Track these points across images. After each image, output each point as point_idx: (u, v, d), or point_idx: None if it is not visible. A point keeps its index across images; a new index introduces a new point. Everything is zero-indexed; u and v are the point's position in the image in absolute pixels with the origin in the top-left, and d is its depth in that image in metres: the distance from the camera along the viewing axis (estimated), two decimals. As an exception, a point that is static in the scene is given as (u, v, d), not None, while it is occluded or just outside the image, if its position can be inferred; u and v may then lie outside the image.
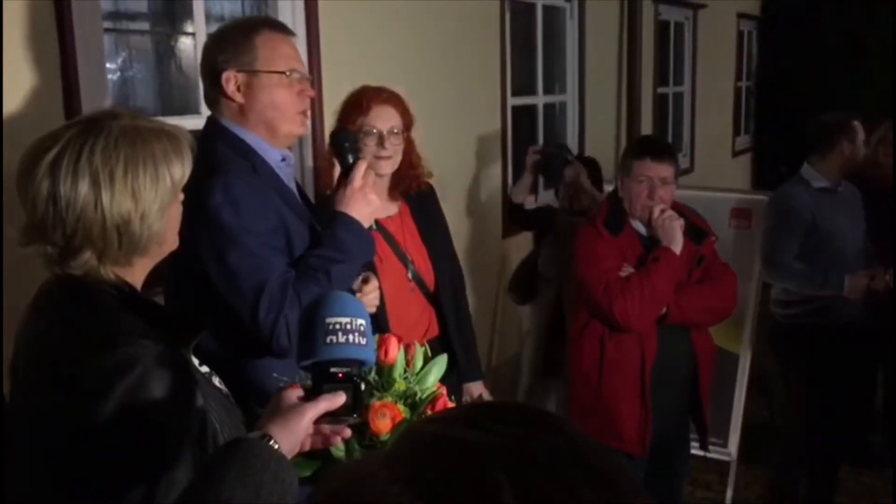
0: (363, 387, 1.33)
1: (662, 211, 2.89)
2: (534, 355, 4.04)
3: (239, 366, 1.89)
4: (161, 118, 1.53)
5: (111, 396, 1.22)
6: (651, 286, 2.82)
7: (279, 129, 2.01)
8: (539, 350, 3.97)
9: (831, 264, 3.51)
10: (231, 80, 1.96)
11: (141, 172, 1.34)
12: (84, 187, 1.31)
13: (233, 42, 1.97)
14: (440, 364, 1.61)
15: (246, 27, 2.02)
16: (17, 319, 1.43)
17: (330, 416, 1.29)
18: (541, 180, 4.33)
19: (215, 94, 2.01)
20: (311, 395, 1.29)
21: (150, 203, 1.35)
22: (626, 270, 2.88)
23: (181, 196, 1.45)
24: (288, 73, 1.99)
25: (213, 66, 1.98)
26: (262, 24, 2.05)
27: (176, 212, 1.43)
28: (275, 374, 1.60)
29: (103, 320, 1.33)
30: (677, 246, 2.87)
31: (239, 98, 1.98)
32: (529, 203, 4.03)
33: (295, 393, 1.30)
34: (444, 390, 1.58)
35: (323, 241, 1.98)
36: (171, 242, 1.46)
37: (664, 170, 2.91)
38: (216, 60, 1.98)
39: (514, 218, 4.08)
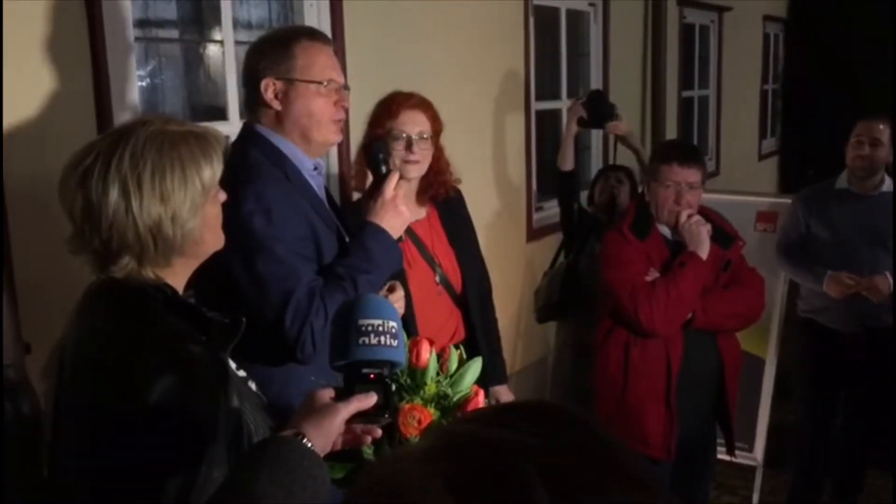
0: (394, 388, 1.36)
1: (689, 216, 2.88)
2: (571, 374, 3.81)
3: (263, 372, 1.91)
4: (191, 124, 1.57)
5: (151, 395, 1.26)
6: (677, 291, 2.80)
7: (313, 137, 2.04)
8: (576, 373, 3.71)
9: (838, 264, 3.51)
10: (269, 88, 2.00)
11: (168, 176, 1.37)
12: (114, 195, 1.35)
13: (272, 50, 2.01)
14: (475, 366, 1.63)
15: (286, 35, 2.06)
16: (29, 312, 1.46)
17: (361, 417, 1.32)
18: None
19: (253, 100, 2.04)
20: (343, 395, 1.32)
21: (179, 205, 1.38)
22: (653, 275, 2.87)
23: (221, 195, 1.49)
24: (325, 83, 2.02)
25: (253, 73, 2.02)
26: (301, 32, 2.09)
27: (212, 211, 1.46)
28: (313, 378, 1.63)
29: (147, 322, 1.37)
30: (704, 251, 2.86)
31: (276, 105, 2.01)
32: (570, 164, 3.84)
33: (327, 393, 1.33)
34: (481, 393, 1.60)
35: (351, 251, 2.00)
36: (212, 242, 1.49)
37: (691, 174, 2.90)
38: (256, 67, 2.02)
39: (565, 188, 3.88)
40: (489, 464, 0.56)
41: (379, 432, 1.38)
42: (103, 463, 1.30)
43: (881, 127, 3.59)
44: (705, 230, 2.88)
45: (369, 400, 1.31)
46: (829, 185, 3.73)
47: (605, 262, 2.96)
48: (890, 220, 3.52)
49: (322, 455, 1.27)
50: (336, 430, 1.29)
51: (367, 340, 1.31)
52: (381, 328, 1.31)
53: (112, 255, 1.39)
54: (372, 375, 1.31)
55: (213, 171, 1.43)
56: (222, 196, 1.50)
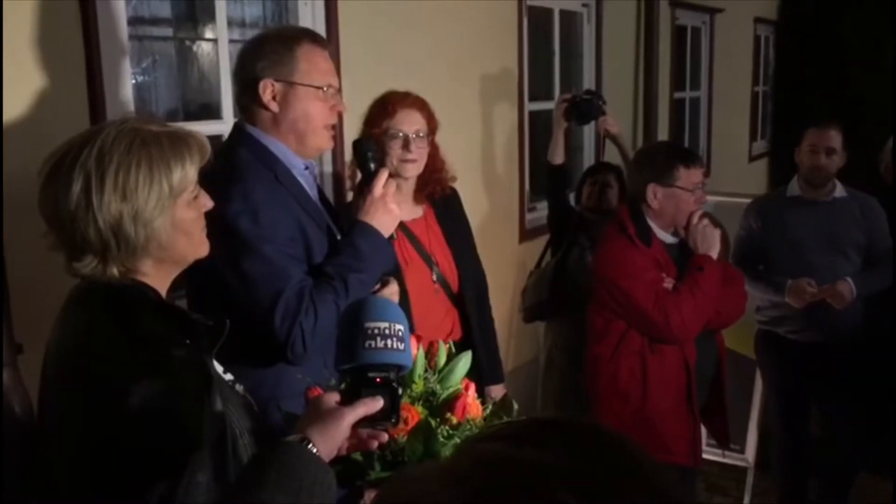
0: (401, 392, 1.34)
1: (701, 217, 2.85)
2: (564, 377, 3.75)
3: (253, 372, 1.90)
4: (182, 123, 1.54)
5: (132, 399, 1.24)
6: (702, 295, 2.77)
7: (308, 141, 2.03)
8: (569, 375, 3.64)
9: (795, 272, 3.49)
10: (268, 89, 1.98)
11: (133, 173, 1.34)
12: (76, 189, 1.33)
13: (273, 51, 1.99)
14: (465, 361, 1.61)
15: (287, 37, 2.03)
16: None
17: (367, 421, 1.30)
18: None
19: (249, 100, 2.02)
20: (349, 399, 1.30)
21: (142, 203, 1.35)
22: (668, 282, 2.83)
23: (205, 202, 1.46)
24: (325, 89, 2.01)
25: (251, 73, 1.99)
26: (304, 35, 2.06)
27: (186, 215, 1.43)
28: (299, 375, 1.61)
29: (129, 325, 1.35)
30: (715, 252, 2.84)
31: (274, 107, 1.99)
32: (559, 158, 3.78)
33: (333, 397, 1.31)
34: (471, 387, 1.57)
35: (341, 250, 1.99)
36: (187, 247, 1.46)
37: (702, 174, 2.91)
38: (255, 67, 1.99)
39: (554, 183, 3.83)
40: (521, 487, 0.54)
41: (385, 437, 1.36)
42: (86, 466, 1.29)
43: (833, 134, 3.59)
44: (717, 233, 2.85)
45: (376, 404, 1.29)
46: (780, 194, 3.73)
47: (616, 272, 2.86)
48: (845, 225, 3.53)
49: (328, 460, 1.25)
50: (342, 435, 1.28)
51: (373, 344, 1.29)
52: (387, 331, 1.30)
53: (75, 252, 1.37)
54: (378, 379, 1.30)
55: (184, 173, 1.40)
56: (206, 203, 1.47)
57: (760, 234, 3.65)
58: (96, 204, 1.33)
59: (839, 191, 3.61)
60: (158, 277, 1.44)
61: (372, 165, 2.12)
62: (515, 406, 1.65)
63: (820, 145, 3.55)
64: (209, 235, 1.53)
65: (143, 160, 1.35)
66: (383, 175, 2.06)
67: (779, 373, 3.73)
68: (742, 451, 4.08)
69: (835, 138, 3.58)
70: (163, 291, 1.45)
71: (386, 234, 2.03)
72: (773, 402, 3.83)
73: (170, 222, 1.39)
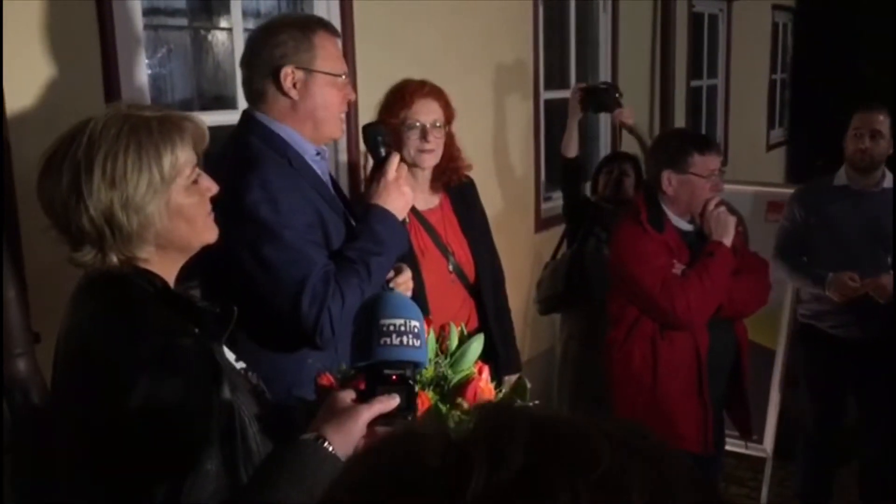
0: (417, 389, 1.33)
1: (717, 204, 2.83)
2: (580, 367, 3.72)
3: (274, 360, 1.90)
4: (197, 113, 1.53)
5: (140, 388, 1.24)
6: (710, 281, 2.75)
7: (323, 129, 2.03)
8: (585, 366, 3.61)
9: (838, 264, 3.39)
10: (289, 76, 1.97)
11: (121, 160, 1.33)
12: (66, 180, 1.33)
13: (292, 38, 1.98)
14: (477, 344, 1.59)
15: (303, 25, 2.03)
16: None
17: (383, 419, 1.28)
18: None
19: (267, 88, 2.00)
20: (364, 396, 1.29)
21: (132, 190, 1.33)
22: (678, 268, 2.82)
23: (208, 186, 1.44)
24: (342, 77, 2.01)
25: (270, 61, 1.98)
26: (318, 23, 2.07)
27: (184, 200, 1.40)
28: (310, 360, 1.61)
29: (136, 314, 1.34)
30: (729, 239, 2.82)
31: (294, 94, 1.99)
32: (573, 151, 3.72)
33: (349, 395, 1.30)
34: (485, 370, 1.56)
35: (359, 234, 1.99)
36: (190, 233, 1.44)
37: (719, 161, 2.89)
38: (273, 55, 1.98)
39: (569, 175, 3.79)
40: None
41: None
42: (94, 456, 1.29)
43: (881, 118, 3.46)
44: (733, 220, 2.83)
45: (392, 402, 1.27)
46: (827, 182, 3.61)
47: (626, 257, 2.88)
48: (891, 216, 3.37)
49: (344, 458, 1.24)
50: (358, 432, 1.26)
51: (388, 341, 1.27)
52: (403, 328, 1.28)
53: (74, 243, 1.37)
54: (394, 377, 1.28)
55: (175, 157, 1.37)
56: (210, 187, 1.45)
57: (804, 224, 3.55)
58: (86, 193, 1.32)
59: (888, 181, 3.48)
60: (163, 265, 1.42)
61: (383, 150, 2.11)
62: (528, 385, 1.62)
63: (865, 128, 3.44)
64: (224, 225, 1.52)
65: (131, 146, 1.34)
66: (395, 159, 2.06)
67: (817, 368, 3.64)
68: (760, 441, 4.05)
69: (882, 122, 3.45)
70: (170, 279, 1.44)
71: (400, 218, 2.03)
72: (807, 396, 3.74)
73: (165, 208, 1.37)
